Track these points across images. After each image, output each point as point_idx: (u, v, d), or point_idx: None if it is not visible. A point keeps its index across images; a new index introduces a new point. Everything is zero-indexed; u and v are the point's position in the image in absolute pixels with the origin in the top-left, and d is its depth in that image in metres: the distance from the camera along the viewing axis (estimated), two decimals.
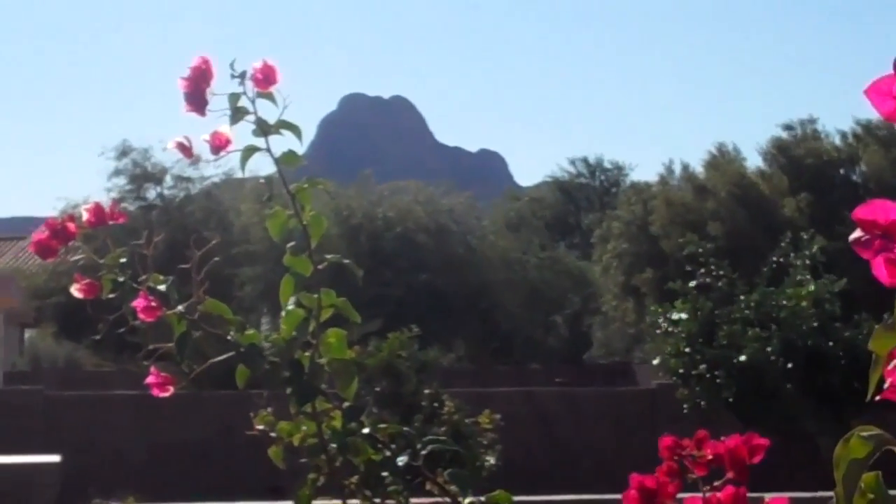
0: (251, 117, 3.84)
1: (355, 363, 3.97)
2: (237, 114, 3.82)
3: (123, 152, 50.32)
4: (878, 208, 2.18)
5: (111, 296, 3.85)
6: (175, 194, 50.20)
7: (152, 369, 3.80)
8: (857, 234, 2.22)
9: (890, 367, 2.17)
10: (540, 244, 56.90)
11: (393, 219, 47.50)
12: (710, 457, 2.94)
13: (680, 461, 3.00)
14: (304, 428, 3.86)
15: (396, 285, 42.82)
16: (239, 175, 48.87)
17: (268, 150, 3.86)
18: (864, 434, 2.26)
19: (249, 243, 41.45)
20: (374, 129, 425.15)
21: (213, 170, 49.94)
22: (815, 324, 20.09)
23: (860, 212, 2.19)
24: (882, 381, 2.17)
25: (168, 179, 50.31)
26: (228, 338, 3.83)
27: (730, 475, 2.92)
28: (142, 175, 50.07)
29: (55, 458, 3.36)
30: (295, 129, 3.86)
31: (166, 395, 3.79)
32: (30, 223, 54.60)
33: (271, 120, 3.86)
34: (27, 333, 50.94)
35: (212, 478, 16.86)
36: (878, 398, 2.18)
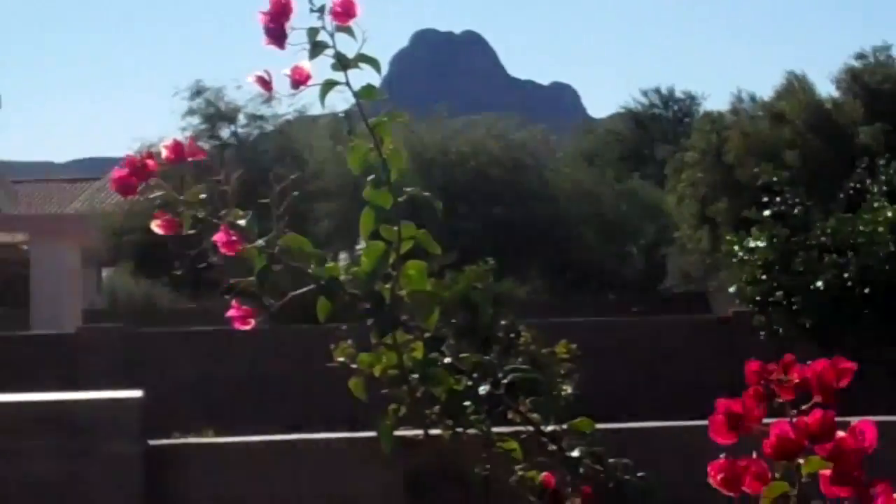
0: (330, 51, 3.85)
1: (436, 295, 3.99)
2: (316, 48, 3.83)
3: (197, 92, 50.28)
4: None
5: (190, 232, 3.87)
6: (249, 132, 50.17)
7: (234, 303, 3.82)
8: None
9: None
10: (614, 176, 56.70)
11: (466, 153, 47.36)
12: (796, 381, 2.93)
13: (766, 386, 2.99)
14: (384, 359, 3.88)
15: (471, 219, 42.72)
16: (311, 112, 48.91)
17: (347, 84, 3.87)
18: None
19: (324, 179, 41.39)
20: (447, 65, 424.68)
21: (285, 108, 49.97)
22: (893, 249, 19.99)
23: None
24: None
25: (241, 118, 50.28)
26: (309, 271, 3.85)
27: (817, 399, 2.92)
28: (216, 114, 50.04)
29: (137, 394, 3.42)
30: (374, 63, 3.86)
31: (247, 327, 3.82)
32: (104, 164, 54.76)
33: (349, 54, 3.86)
34: (104, 272, 51.12)
35: (290, 411, 16.93)
36: None
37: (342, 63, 3.85)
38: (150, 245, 40.86)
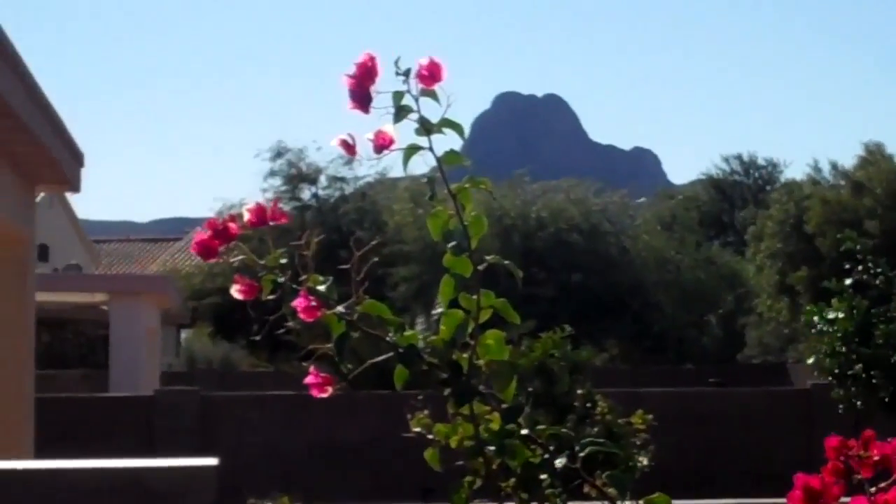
0: (414, 115, 3.83)
1: (513, 364, 3.96)
2: (401, 112, 3.81)
3: (278, 153, 50.71)
4: None
5: (270, 297, 3.86)
6: (330, 194, 50.48)
7: (312, 369, 3.80)
8: None
9: None
10: (694, 242, 56.55)
11: (546, 218, 47.49)
12: (876, 457, 2.90)
13: (845, 462, 2.96)
14: (461, 430, 3.85)
15: (549, 285, 42.80)
16: (392, 175, 49.18)
17: (430, 149, 3.85)
18: None
19: (403, 243, 41.55)
20: (528, 128, 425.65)
21: (366, 170, 50.28)
22: None
23: None
24: None
25: (322, 180, 50.61)
26: (388, 338, 3.82)
27: None
28: (297, 175, 50.40)
29: (212, 462, 3.39)
30: (458, 128, 3.84)
31: (325, 395, 3.80)
32: (185, 224, 55.15)
33: (433, 118, 3.84)
34: (183, 334, 51.33)
35: (364, 479, 16.95)
36: None
37: (426, 128, 3.83)
38: (229, 308, 41.15)
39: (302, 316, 3.78)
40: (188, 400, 21.72)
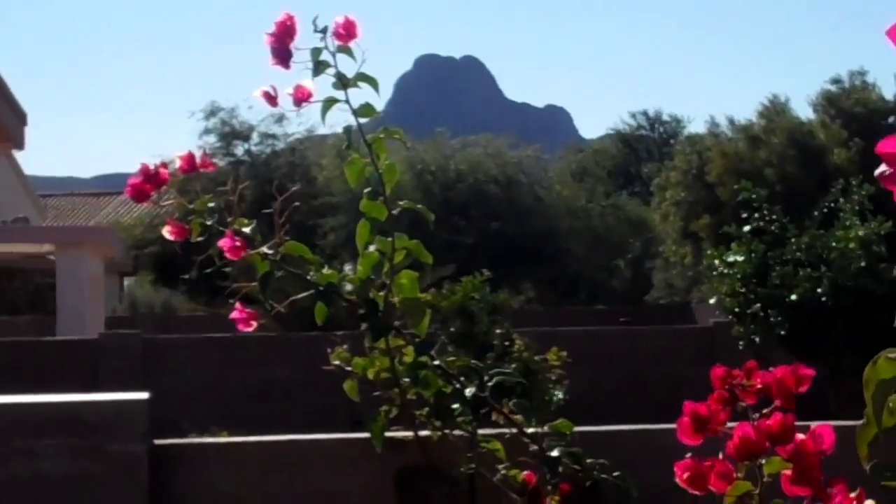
0: (331, 71, 3.85)
1: (426, 302, 3.98)
2: (319, 67, 3.84)
3: (212, 112, 50.63)
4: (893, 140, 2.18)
5: (199, 239, 3.88)
6: (262, 150, 50.41)
7: (237, 305, 3.83)
8: (882, 167, 2.21)
9: None
10: (603, 192, 56.99)
11: (465, 171, 47.62)
12: (759, 386, 2.94)
13: (731, 390, 3.00)
14: (377, 363, 3.88)
15: (469, 233, 42.94)
16: (321, 132, 49.23)
17: (347, 102, 3.87)
18: (891, 355, 2.25)
19: (331, 195, 41.50)
20: (448, 89, 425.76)
21: (296, 127, 50.35)
22: (863, 264, 20.05)
23: (884, 145, 2.18)
24: None
25: (255, 137, 50.57)
26: (308, 277, 3.85)
27: (777, 403, 2.92)
28: (230, 133, 50.34)
29: (144, 396, 3.42)
30: (372, 82, 3.86)
31: (250, 329, 3.82)
32: (126, 179, 54.86)
33: (350, 74, 3.87)
34: (126, 281, 51.34)
35: (297, 415, 16.93)
36: None
37: (342, 82, 3.85)
38: (169, 256, 41.39)
39: (227, 255, 3.80)
40: (131, 343, 21.71)
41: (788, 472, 2.76)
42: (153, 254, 44.63)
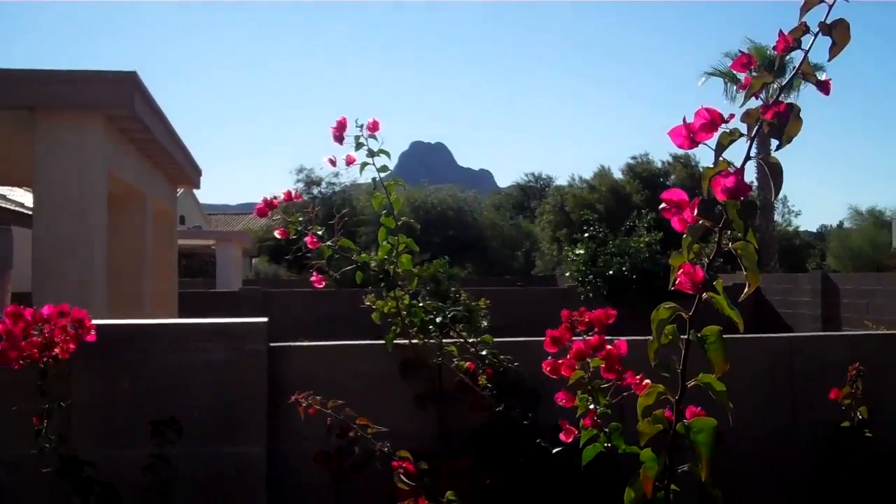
0: (365, 148, 3.86)
1: (416, 273, 3.98)
2: (358, 146, 3.84)
3: (300, 169, 50.85)
4: (673, 193, 2.19)
5: (294, 237, 3.88)
6: (328, 191, 50.39)
7: (314, 274, 3.82)
8: (662, 206, 2.22)
9: (678, 273, 2.18)
10: (510, 216, 57.16)
11: (435, 204, 47.78)
12: (587, 319, 2.94)
13: (572, 322, 3.00)
14: (389, 304, 3.86)
15: (437, 238, 42.95)
16: (359, 181, 49.21)
17: (373, 164, 3.86)
18: (667, 305, 2.26)
19: (364, 216, 41.37)
20: (426, 158, 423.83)
21: (345, 178, 50.48)
22: (647, 255, 20.12)
23: (665, 195, 2.20)
24: (674, 281, 2.18)
25: (323, 184, 50.56)
26: (352, 258, 3.84)
27: (597, 329, 2.92)
28: (310, 181, 50.37)
29: (264, 319, 3.38)
30: (387, 153, 3.87)
31: (320, 286, 3.81)
32: (254, 205, 54.61)
33: (375, 149, 3.88)
34: (253, 261, 51.21)
35: (347, 332, 16.83)
36: (673, 288, 2.19)
37: (371, 153, 3.86)
38: (277, 248, 41.55)
39: (309, 245, 3.79)
40: (256, 294, 21.61)
41: (602, 365, 2.77)
42: (268, 246, 44.60)
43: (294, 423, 3.65)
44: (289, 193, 3.94)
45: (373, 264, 3.89)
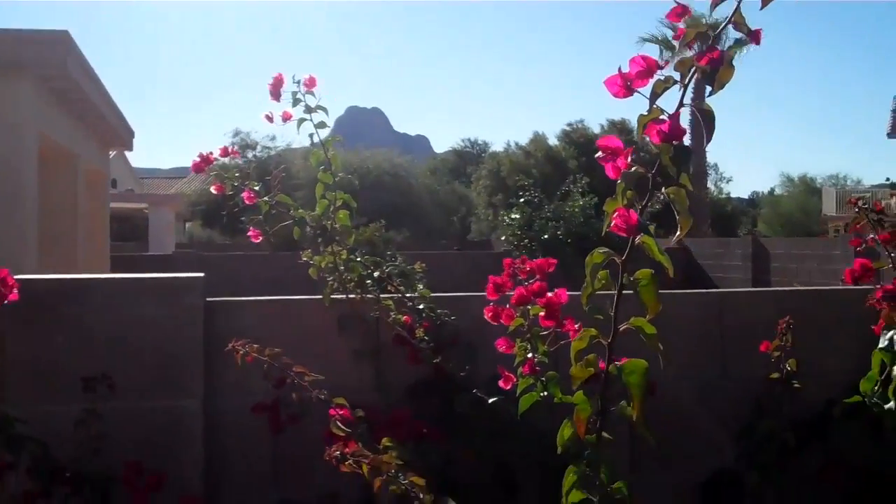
0: (302, 104, 3.85)
1: (352, 230, 3.99)
2: (295, 101, 3.83)
3: (235, 133, 50.53)
4: (608, 140, 2.22)
5: (230, 193, 3.86)
6: (263, 154, 50.18)
7: (251, 229, 3.82)
8: (598, 154, 2.26)
9: (613, 217, 2.22)
10: (446, 181, 57.20)
11: (372, 169, 47.71)
12: (528, 268, 2.97)
13: (514, 271, 3.03)
14: (326, 259, 3.87)
15: (373, 201, 42.87)
16: (294, 145, 49.03)
17: (310, 119, 3.86)
18: (601, 250, 2.30)
19: (299, 179, 41.20)
20: (364, 123, 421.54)
21: (281, 143, 50.30)
22: (582, 219, 20.30)
23: (600, 141, 2.23)
24: (609, 224, 2.22)
25: (259, 147, 50.32)
26: (290, 213, 3.84)
27: (538, 277, 2.96)
28: (245, 144, 50.10)
29: (201, 275, 3.37)
30: (325, 109, 3.86)
31: (257, 241, 3.81)
32: (185, 170, 54.13)
33: (312, 105, 3.87)
34: (187, 224, 50.76)
35: (285, 290, 16.80)
36: (608, 231, 2.22)
37: (309, 109, 3.85)
38: (211, 212, 41.19)
39: (246, 202, 3.78)
40: (191, 257, 21.54)
41: (542, 313, 2.80)
42: (202, 210, 44.21)
43: (232, 378, 3.66)
44: (225, 149, 3.92)
45: (310, 220, 3.88)
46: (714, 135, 2.15)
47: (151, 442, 3.60)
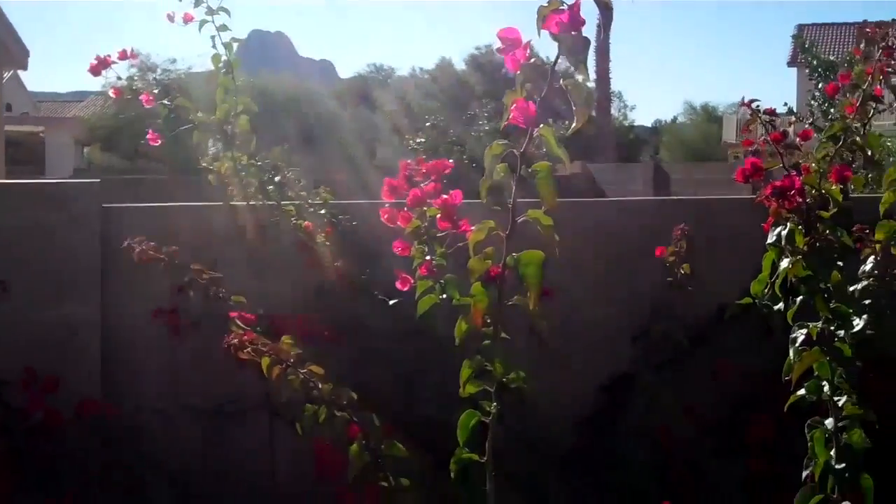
0: (204, 6, 3.78)
1: (253, 135, 3.93)
2: (197, 2, 3.76)
3: (135, 53, 49.48)
4: (508, 31, 2.21)
5: (128, 97, 3.80)
6: (164, 77, 49.14)
7: (150, 132, 3.75)
8: (499, 45, 2.24)
9: (511, 109, 2.21)
10: (352, 107, 56.88)
11: (276, 94, 47.37)
12: (424, 170, 2.96)
13: (409, 173, 3.02)
14: (227, 163, 3.81)
15: (278, 127, 42.47)
16: (197, 70, 48.21)
17: (212, 22, 3.78)
18: (500, 142, 2.31)
19: (201, 102, 40.57)
20: (268, 48, 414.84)
21: (181, 66, 49.42)
22: (487, 144, 20.55)
23: (500, 32, 2.22)
24: (507, 117, 2.22)
25: (159, 70, 49.27)
26: (189, 117, 3.78)
27: (433, 178, 2.95)
28: (145, 67, 49.01)
29: (97, 180, 3.29)
30: (227, 11, 3.79)
31: (156, 143, 3.74)
32: (84, 94, 52.91)
33: (215, 6, 3.80)
34: (85, 150, 49.82)
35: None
36: (507, 123, 2.23)
37: (210, 11, 3.78)
38: (110, 136, 40.47)
39: (146, 104, 3.71)
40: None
41: (440, 214, 2.80)
42: (101, 134, 43.36)
43: (132, 285, 3.61)
44: (123, 52, 3.83)
45: (212, 123, 3.81)
46: (611, 27, 2.16)
47: (47, 347, 3.55)
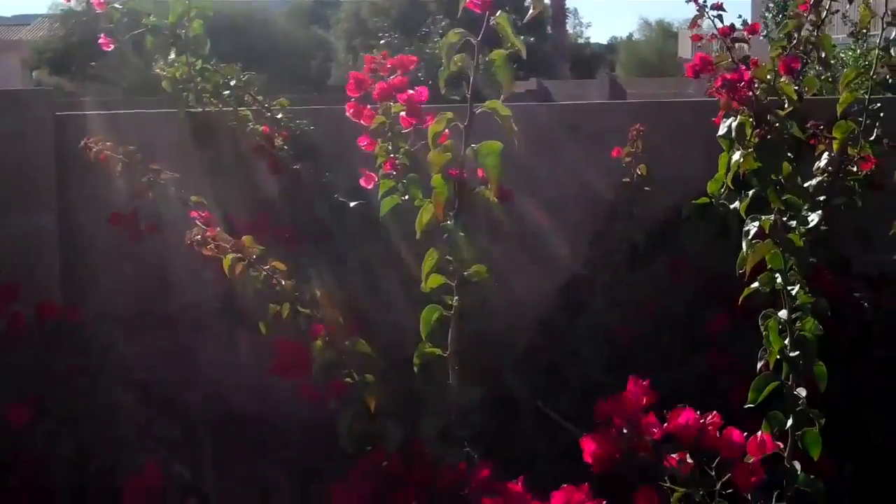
0: None
1: (207, 39, 3.87)
2: None
3: None
4: None
5: (79, 10, 3.72)
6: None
7: (102, 36, 3.68)
8: None
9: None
10: (304, 25, 56.16)
11: (224, 10, 46.71)
12: (389, 65, 2.95)
13: (374, 67, 2.99)
14: (182, 69, 3.75)
15: (228, 47, 41.86)
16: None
17: None
18: (457, 31, 2.30)
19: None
20: None
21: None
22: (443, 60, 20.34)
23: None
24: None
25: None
26: (143, 21, 3.71)
27: (399, 73, 2.93)
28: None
29: (49, 88, 3.29)
30: None
31: (109, 49, 3.67)
32: (29, 17, 51.82)
33: None
34: (34, 73, 48.92)
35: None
36: (464, 7, 2.22)
37: None
38: (59, 60, 39.82)
39: (96, 7, 3.63)
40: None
41: (403, 112, 2.80)
42: (48, 58, 42.66)
43: (89, 191, 3.59)
44: None
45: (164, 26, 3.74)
46: None
47: (4, 256, 3.53)
